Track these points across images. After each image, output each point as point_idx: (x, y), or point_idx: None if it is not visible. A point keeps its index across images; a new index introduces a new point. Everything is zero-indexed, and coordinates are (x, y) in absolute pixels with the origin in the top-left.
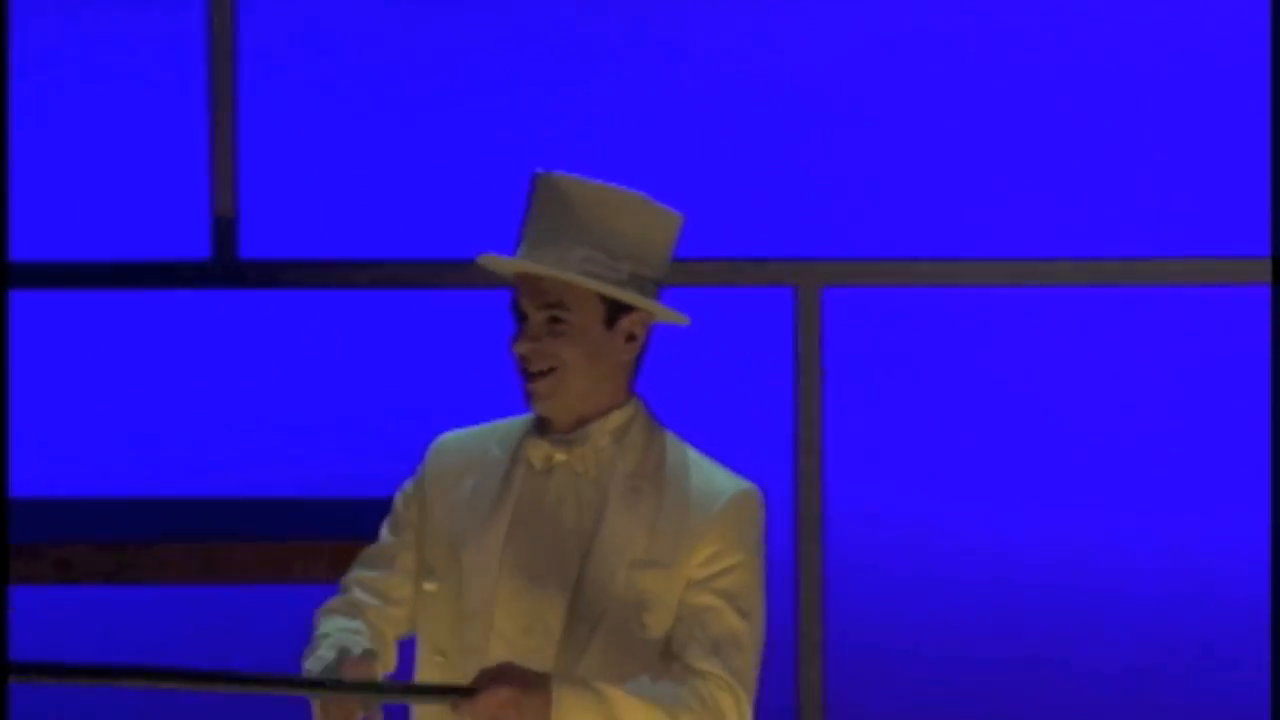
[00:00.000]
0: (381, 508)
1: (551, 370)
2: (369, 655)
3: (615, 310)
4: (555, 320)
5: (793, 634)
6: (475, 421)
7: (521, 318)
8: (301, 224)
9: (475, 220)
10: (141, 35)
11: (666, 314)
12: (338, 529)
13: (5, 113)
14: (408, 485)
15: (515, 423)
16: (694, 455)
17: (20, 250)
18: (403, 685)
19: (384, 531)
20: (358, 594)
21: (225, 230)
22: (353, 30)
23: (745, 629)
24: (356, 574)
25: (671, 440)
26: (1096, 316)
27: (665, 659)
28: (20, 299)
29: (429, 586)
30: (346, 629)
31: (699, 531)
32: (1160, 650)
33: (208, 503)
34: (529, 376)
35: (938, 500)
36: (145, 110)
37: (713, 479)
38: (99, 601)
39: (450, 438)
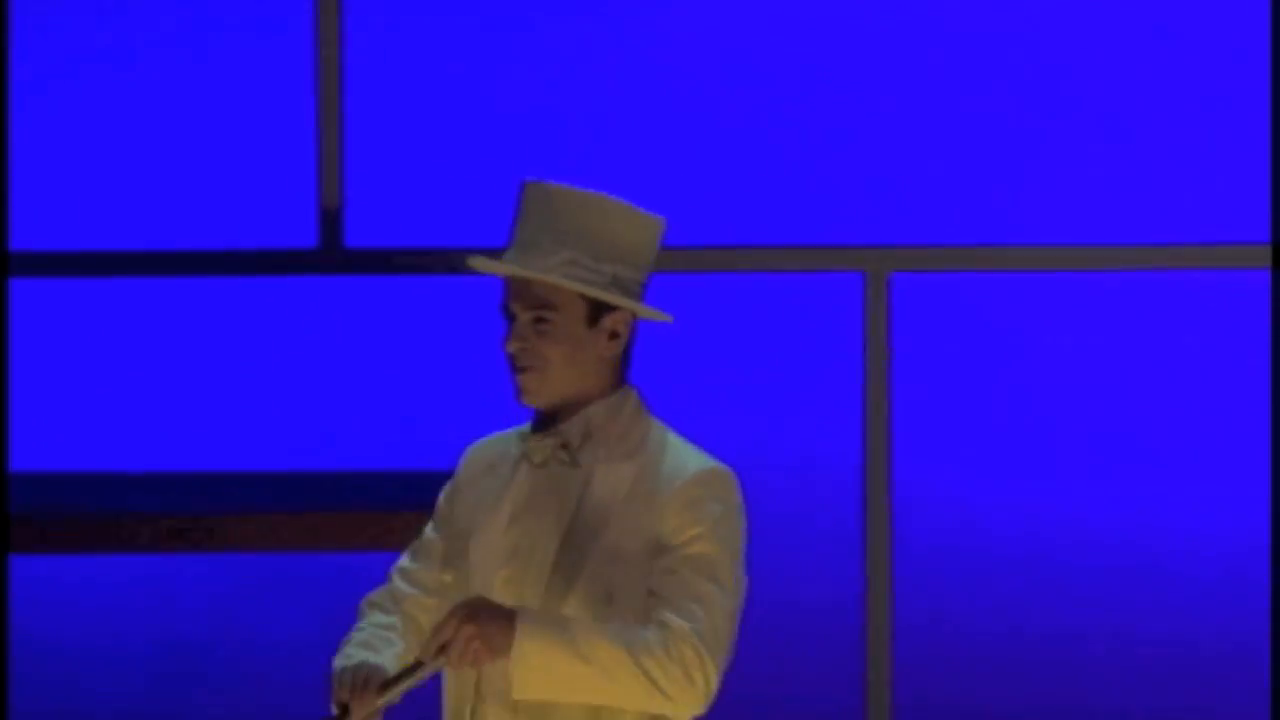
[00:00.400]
0: None
1: (536, 368)
2: (374, 674)
3: (598, 310)
4: (541, 320)
5: (860, 618)
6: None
7: (510, 317)
8: (406, 212)
9: None
10: (249, 29)
11: (648, 312)
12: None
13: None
14: (447, 485)
15: (531, 424)
16: (674, 440)
17: (140, 240)
18: (393, 677)
19: (428, 527)
20: (399, 583)
21: (331, 220)
22: (456, 19)
23: (712, 592)
24: (401, 564)
25: (657, 427)
26: (1165, 301)
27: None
28: (146, 286)
29: (446, 578)
30: (380, 625)
31: (662, 508)
32: (1229, 634)
33: (314, 476)
34: (517, 372)
35: (1003, 483)
36: (255, 105)
37: (683, 460)
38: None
39: (480, 442)
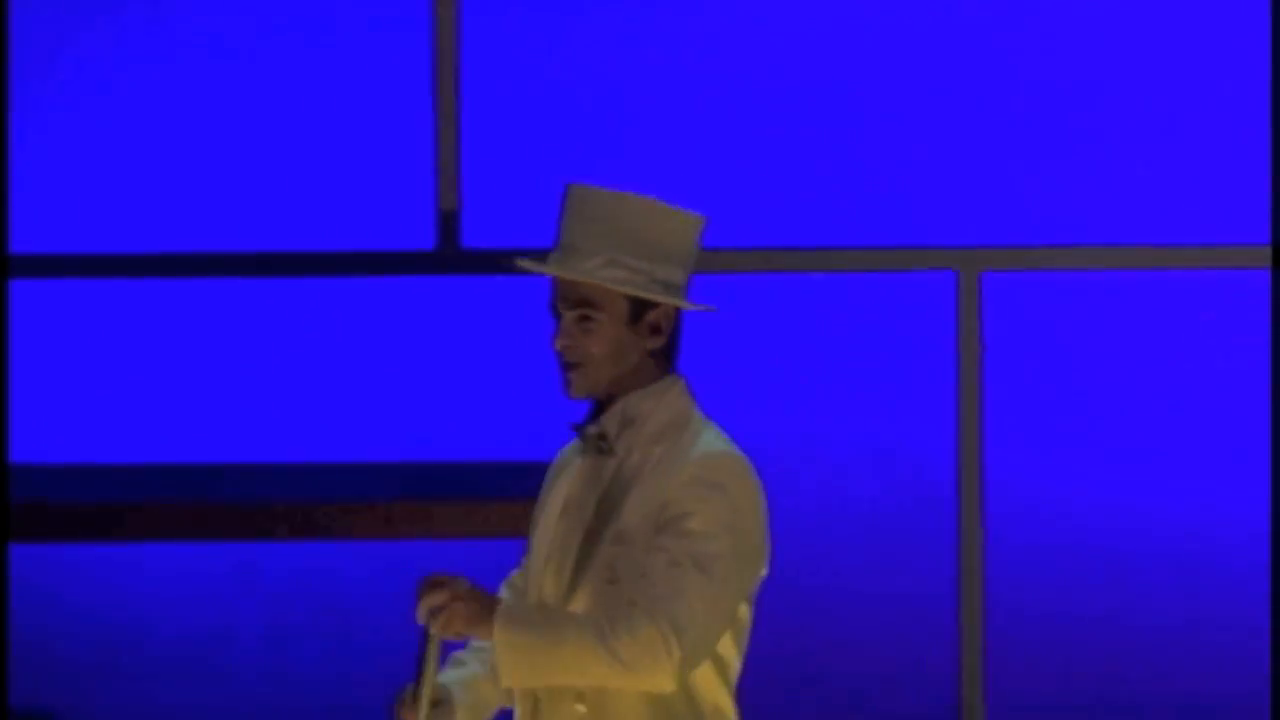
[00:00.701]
0: None
1: (581, 363)
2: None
3: (640, 307)
4: (585, 318)
5: (954, 616)
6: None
7: (557, 316)
8: (521, 214)
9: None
10: (368, 37)
11: (690, 306)
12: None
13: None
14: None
15: None
16: (709, 430)
17: (270, 242)
18: (417, 670)
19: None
20: (503, 590)
21: (449, 222)
22: (570, 23)
23: (690, 575)
24: (512, 576)
25: (697, 418)
26: (1254, 300)
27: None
28: (275, 286)
29: (517, 580)
30: (472, 647)
31: (663, 498)
32: None
33: (430, 467)
34: (564, 368)
35: (1097, 482)
36: (375, 110)
37: (700, 446)
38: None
39: (561, 449)
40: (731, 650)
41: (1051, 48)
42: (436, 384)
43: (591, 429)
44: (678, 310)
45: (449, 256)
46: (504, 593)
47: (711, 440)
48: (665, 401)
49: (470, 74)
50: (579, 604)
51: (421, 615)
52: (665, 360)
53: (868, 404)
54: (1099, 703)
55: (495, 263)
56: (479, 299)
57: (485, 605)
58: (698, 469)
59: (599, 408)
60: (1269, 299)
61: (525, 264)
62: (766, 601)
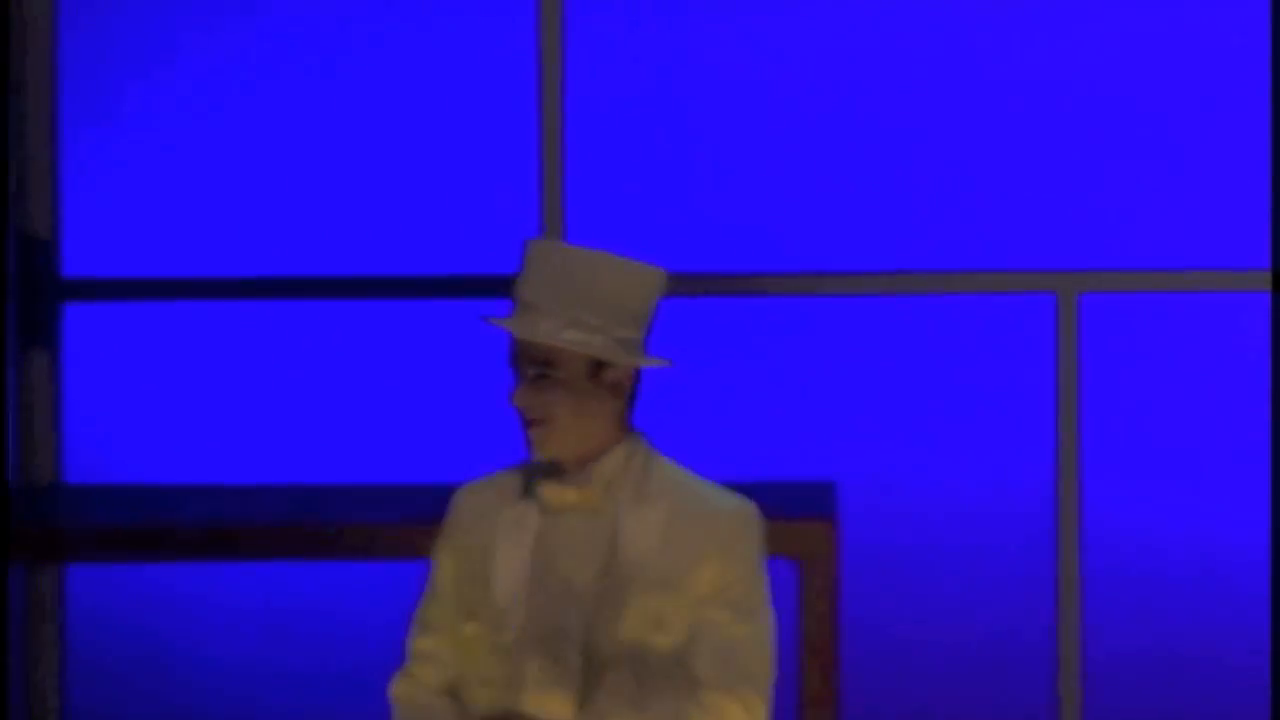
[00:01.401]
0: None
1: (544, 421)
2: None
3: (598, 365)
4: (544, 376)
5: (1051, 636)
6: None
7: (518, 372)
8: (627, 238)
9: (797, 226)
10: (477, 65)
11: (647, 362)
12: None
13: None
14: (438, 544)
15: (526, 468)
16: (688, 478)
17: (380, 265)
18: None
19: (425, 599)
20: (427, 672)
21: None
22: (672, 45)
23: (751, 633)
24: (418, 650)
25: (668, 467)
26: None
27: (680, 676)
28: (389, 308)
29: (469, 629)
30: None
31: (701, 552)
32: None
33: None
34: (527, 425)
35: (1189, 502)
36: (484, 140)
37: (708, 499)
38: None
39: (468, 489)
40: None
41: (1149, 77)
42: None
43: (567, 492)
44: (637, 367)
45: None
46: (427, 672)
47: (715, 493)
48: (636, 461)
49: (574, 104)
50: (617, 652)
51: None
52: (626, 415)
53: (966, 428)
54: None
55: None
56: None
57: None
58: (732, 529)
59: (553, 465)
60: None
61: (490, 320)
62: (864, 635)
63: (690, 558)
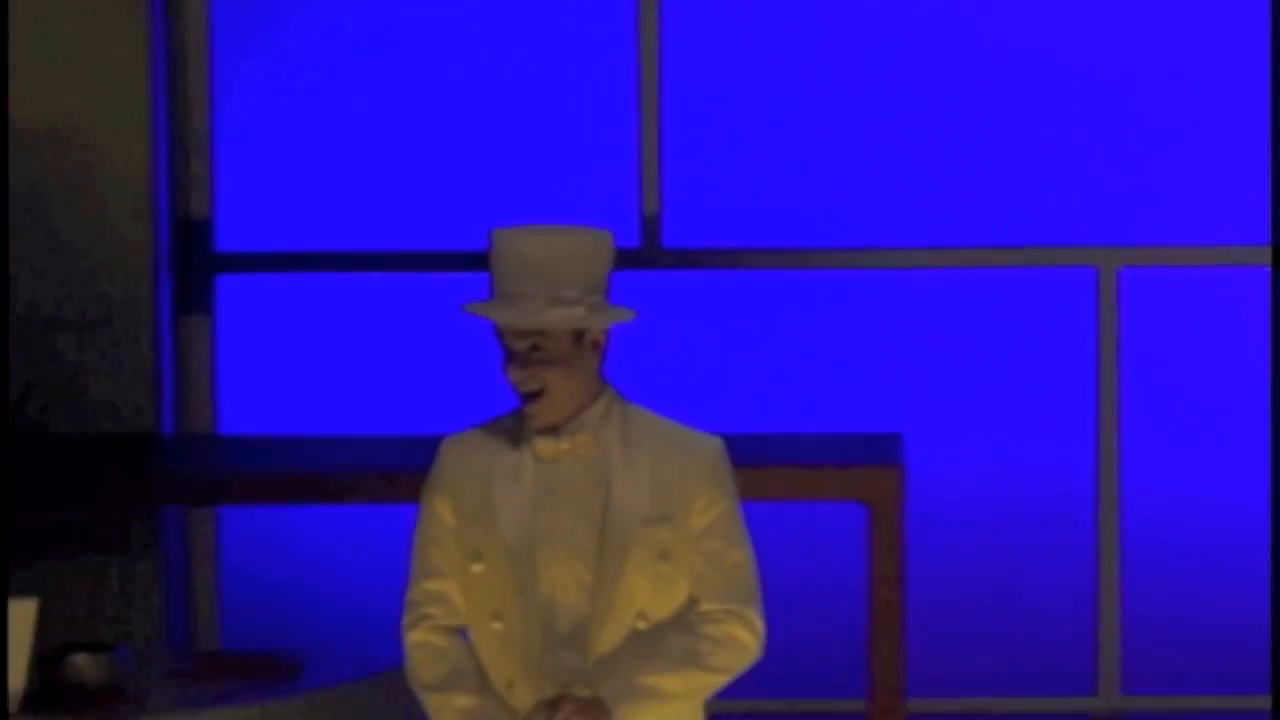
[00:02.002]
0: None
1: (541, 392)
2: None
3: (579, 331)
4: (536, 348)
5: (1092, 605)
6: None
7: (508, 349)
8: (716, 217)
9: (864, 204)
10: (581, 69)
11: (618, 317)
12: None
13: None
14: (430, 498)
15: (512, 418)
16: (661, 421)
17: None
18: None
19: (423, 544)
20: (437, 614)
21: (651, 224)
22: (767, 30)
23: (743, 557)
24: (424, 591)
25: (639, 411)
26: None
27: (685, 600)
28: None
29: (477, 568)
30: (467, 687)
31: (692, 485)
32: None
33: None
34: (525, 398)
35: (1232, 476)
36: (589, 128)
37: (686, 438)
38: None
39: (455, 441)
40: None
41: (1181, 66)
42: (639, 366)
43: (561, 443)
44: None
45: (652, 254)
46: (437, 614)
47: (688, 432)
48: (614, 411)
49: (671, 92)
50: (625, 580)
51: None
52: (601, 369)
53: (1010, 396)
54: (1232, 704)
55: (693, 260)
56: (677, 290)
57: (594, 709)
58: (716, 465)
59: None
60: None
61: (475, 309)
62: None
63: (683, 492)
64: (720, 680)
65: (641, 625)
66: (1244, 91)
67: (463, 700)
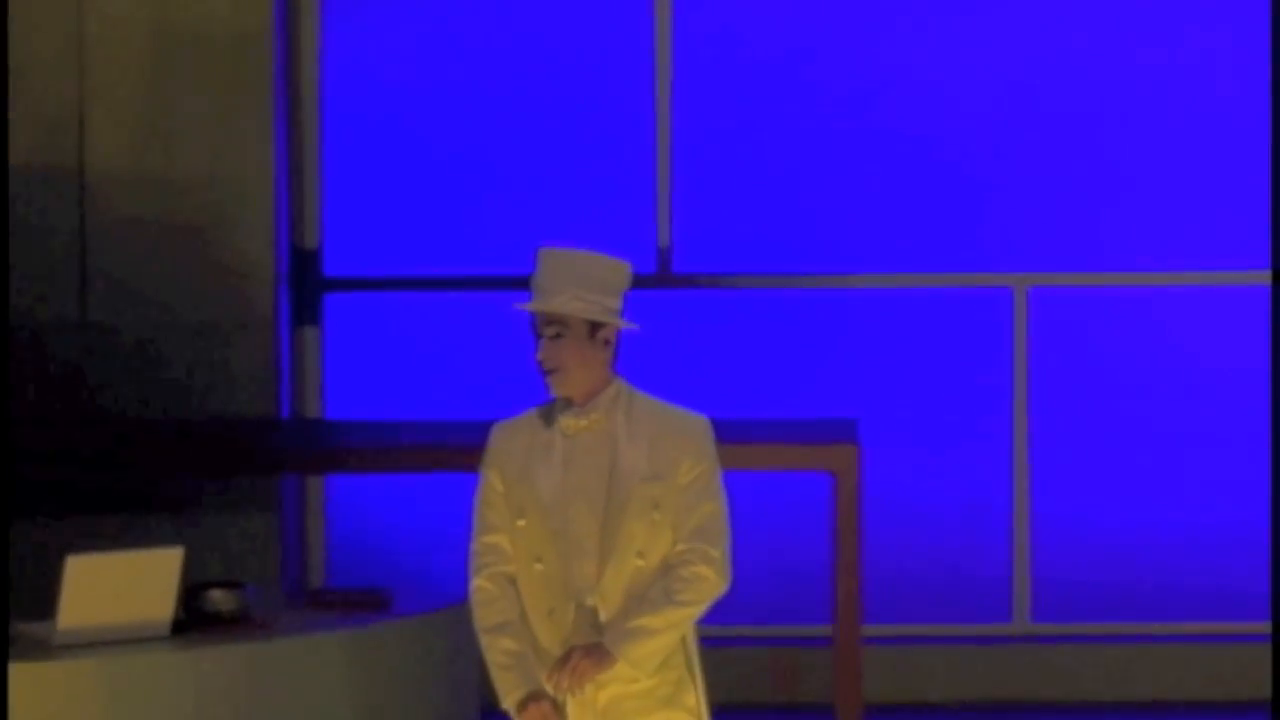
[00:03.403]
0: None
1: (559, 369)
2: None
3: (594, 327)
4: (558, 335)
5: (1008, 551)
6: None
7: (538, 336)
8: (717, 250)
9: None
10: (599, 107)
11: (624, 325)
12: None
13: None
14: (485, 470)
15: (548, 406)
16: (657, 402)
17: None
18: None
19: (481, 506)
20: (494, 561)
21: (664, 254)
22: (773, 80)
23: (714, 508)
24: (484, 542)
25: (642, 397)
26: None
27: (670, 539)
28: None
29: (521, 523)
30: (512, 632)
31: (680, 451)
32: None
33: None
34: (546, 373)
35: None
36: (610, 168)
37: (678, 417)
38: None
39: (502, 426)
40: None
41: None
42: (654, 365)
43: (580, 420)
44: (617, 329)
45: (665, 278)
46: (495, 561)
47: (677, 411)
48: (623, 395)
49: (680, 134)
50: (626, 525)
51: (562, 690)
52: (613, 363)
53: (945, 387)
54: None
55: (698, 283)
56: (686, 309)
57: (598, 651)
58: (698, 435)
59: (565, 403)
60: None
61: (519, 305)
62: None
63: (672, 458)
64: (694, 611)
65: (640, 562)
66: (1150, 126)
67: (507, 643)
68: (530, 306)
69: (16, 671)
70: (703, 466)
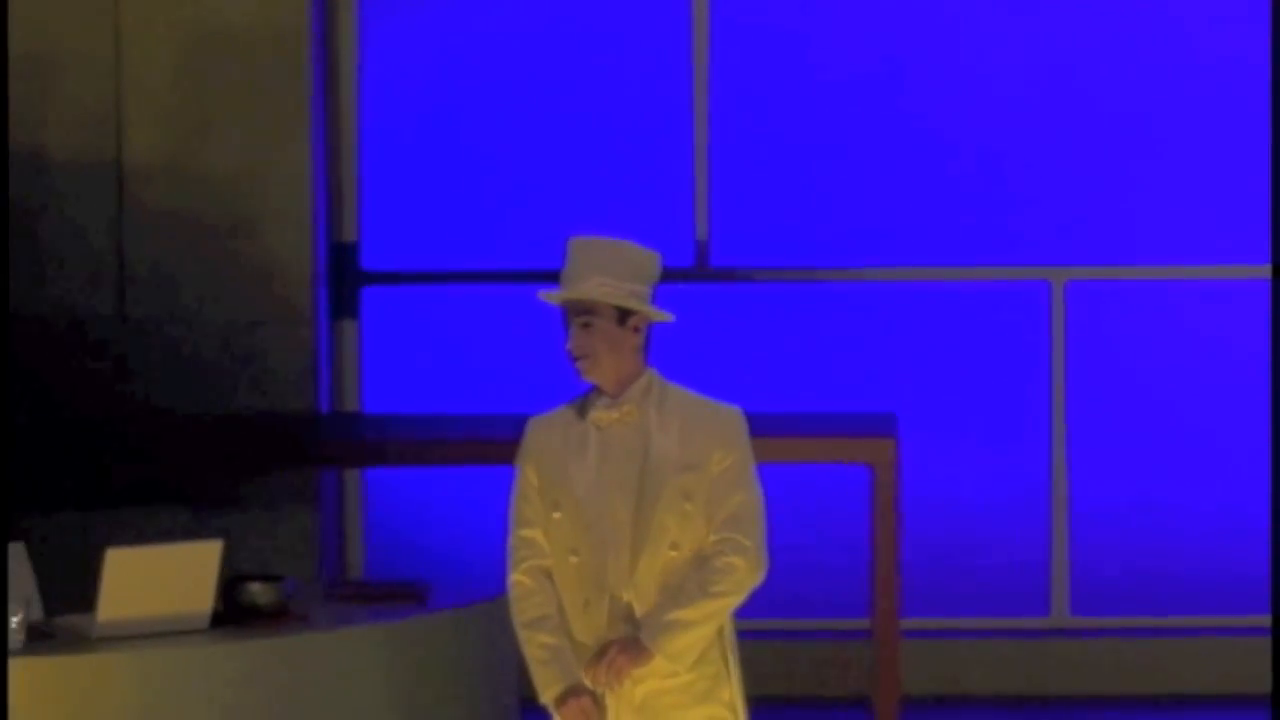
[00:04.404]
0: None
1: (589, 356)
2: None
3: (624, 315)
4: (586, 324)
5: (1045, 549)
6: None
7: (568, 325)
8: (753, 244)
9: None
10: (640, 119)
11: (656, 314)
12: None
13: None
14: (521, 464)
15: (582, 399)
16: (689, 394)
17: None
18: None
19: (518, 500)
20: (530, 554)
21: (702, 248)
22: (807, 81)
23: (746, 497)
24: (521, 537)
25: (675, 388)
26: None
27: (703, 530)
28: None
29: (556, 515)
30: (549, 627)
31: (712, 442)
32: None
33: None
34: (576, 360)
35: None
36: (651, 166)
37: (709, 407)
38: None
39: (536, 421)
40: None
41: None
42: (691, 356)
43: (612, 412)
44: (648, 318)
45: (703, 272)
46: (530, 555)
47: (710, 402)
48: (655, 386)
49: (718, 133)
50: (658, 517)
51: (600, 685)
52: (645, 353)
53: (982, 381)
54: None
55: (735, 276)
56: (724, 302)
57: (635, 647)
58: (728, 426)
59: (597, 395)
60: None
61: (544, 296)
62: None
63: (704, 448)
64: (730, 602)
65: (673, 553)
66: (1183, 126)
67: (545, 638)
68: (557, 295)
69: (56, 664)
70: (734, 456)
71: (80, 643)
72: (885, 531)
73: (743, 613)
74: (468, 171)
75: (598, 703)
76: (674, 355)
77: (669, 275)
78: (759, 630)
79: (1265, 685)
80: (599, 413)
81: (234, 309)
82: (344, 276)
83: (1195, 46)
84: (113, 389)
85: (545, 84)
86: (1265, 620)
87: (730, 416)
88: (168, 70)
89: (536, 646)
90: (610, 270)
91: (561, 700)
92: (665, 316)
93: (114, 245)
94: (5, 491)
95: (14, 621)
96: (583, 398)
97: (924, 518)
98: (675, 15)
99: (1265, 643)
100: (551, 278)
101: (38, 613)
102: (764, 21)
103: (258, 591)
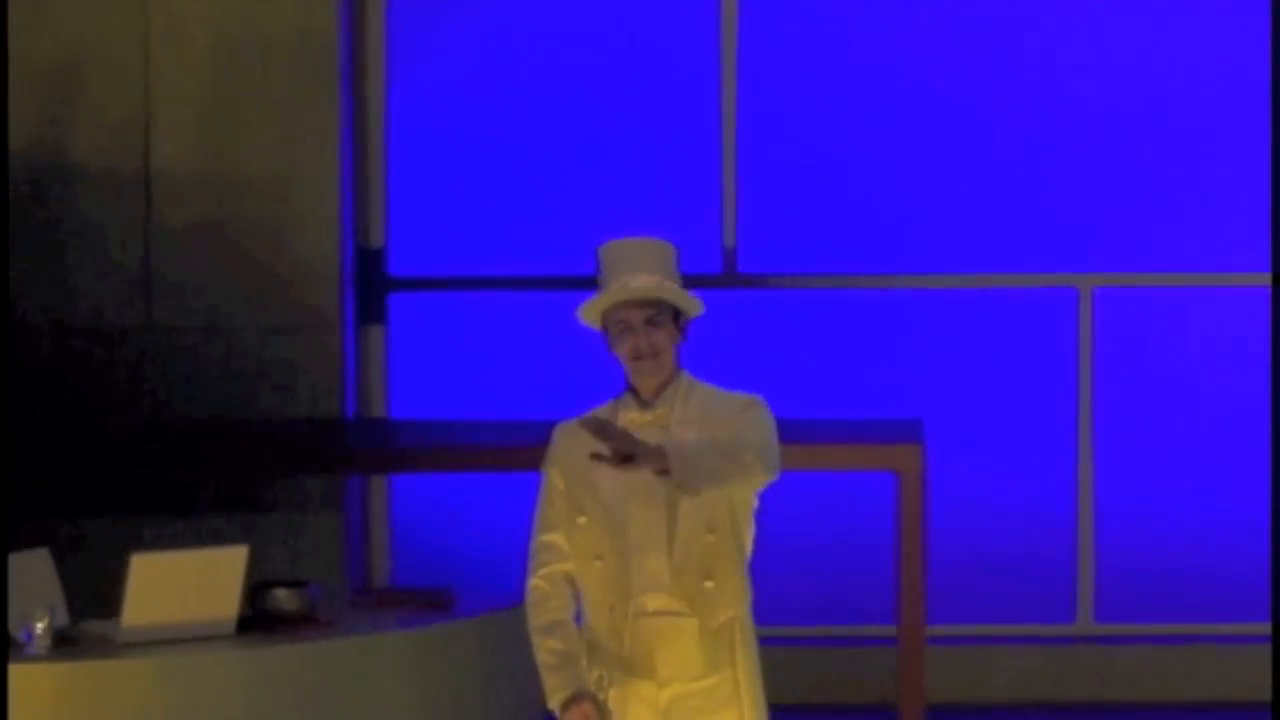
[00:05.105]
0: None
1: (655, 354)
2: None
3: (676, 312)
4: (651, 321)
5: (1071, 552)
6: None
7: (626, 325)
8: (780, 251)
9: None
10: (668, 130)
11: (698, 311)
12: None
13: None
14: (547, 469)
15: (610, 405)
16: (716, 389)
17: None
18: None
19: (544, 505)
20: (552, 559)
21: (730, 255)
22: (832, 90)
23: (762, 439)
24: (542, 541)
25: (703, 386)
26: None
27: (734, 510)
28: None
29: (581, 520)
30: (560, 634)
31: (728, 417)
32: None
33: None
34: (639, 358)
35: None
36: (680, 176)
37: (728, 395)
38: None
39: (564, 426)
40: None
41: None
42: (720, 362)
43: (647, 416)
44: (689, 316)
45: (731, 278)
46: (553, 560)
47: (734, 393)
48: (687, 381)
49: (745, 143)
50: (686, 506)
51: (614, 441)
52: (679, 350)
53: (1008, 387)
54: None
55: (763, 283)
56: (751, 308)
57: (658, 450)
58: (749, 407)
59: (630, 394)
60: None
61: (592, 303)
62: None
63: (725, 419)
64: (745, 462)
65: (711, 537)
66: (1207, 131)
67: (555, 644)
68: (636, 294)
69: (80, 669)
70: (751, 414)
71: (104, 648)
72: (911, 538)
73: (767, 618)
74: (495, 178)
75: (601, 709)
76: (702, 361)
77: (697, 281)
78: (783, 636)
79: None
80: (633, 414)
81: (261, 315)
82: (371, 282)
83: (1223, 54)
84: (140, 396)
85: (573, 90)
86: None
87: (749, 397)
88: (196, 78)
89: (547, 652)
90: (664, 270)
91: (566, 706)
92: (698, 311)
93: (142, 250)
94: (7, 493)
95: (39, 627)
96: (613, 402)
97: (950, 524)
98: (704, 21)
99: None
100: (579, 284)
101: (63, 618)
102: (793, 28)
103: (283, 597)
